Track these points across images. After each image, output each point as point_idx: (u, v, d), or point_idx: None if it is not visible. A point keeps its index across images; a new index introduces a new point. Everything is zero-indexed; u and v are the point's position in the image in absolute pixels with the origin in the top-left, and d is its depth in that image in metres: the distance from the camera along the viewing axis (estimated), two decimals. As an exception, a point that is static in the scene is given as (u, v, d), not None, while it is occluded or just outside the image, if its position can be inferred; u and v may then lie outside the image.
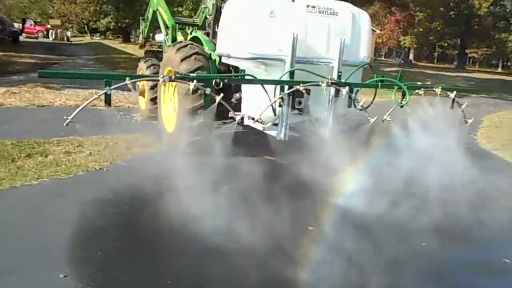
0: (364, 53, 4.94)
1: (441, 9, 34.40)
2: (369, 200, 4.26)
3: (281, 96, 4.10)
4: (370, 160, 5.00)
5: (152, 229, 3.49)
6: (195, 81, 3.65)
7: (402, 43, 44.03)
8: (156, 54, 9.19)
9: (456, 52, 50.90)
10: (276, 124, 4.65)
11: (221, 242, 3.22)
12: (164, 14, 7.54)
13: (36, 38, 37.85)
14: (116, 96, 9.70)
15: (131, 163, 5.19)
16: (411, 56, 47.32)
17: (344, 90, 4.38)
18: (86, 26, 43.97)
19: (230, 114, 4.23)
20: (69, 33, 39.52)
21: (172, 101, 6.04)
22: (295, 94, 4.34)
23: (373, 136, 4.91)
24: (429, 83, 5.17)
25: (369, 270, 3.10)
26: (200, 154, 4.48)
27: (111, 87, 3.41)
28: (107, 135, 6.15)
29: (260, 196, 4.04)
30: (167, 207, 3.65)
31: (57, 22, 39.66)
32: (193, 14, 17.24)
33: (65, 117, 3.33)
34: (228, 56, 4.78)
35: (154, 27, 9.16)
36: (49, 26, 40.35)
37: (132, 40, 39.65)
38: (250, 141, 6.23)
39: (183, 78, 3.75)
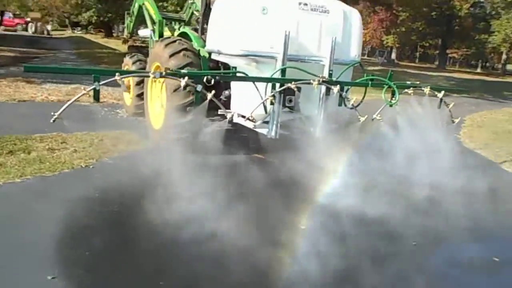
0: (355, 51, 4.94)
1: (424, 9, 34.83)
2: (357, 199, 4.25)
3: (273, 93, 4.06)
4: (358, 158, 5.00)
5: (142, 229, 3.40)
6: (186, 77, 3.57)
7: (384, 42, 44.41)
8: (140, 50, 9.03)
9: (437, 52, 51.72)
10: (266, 122, 4.62)
11: (212, 241, 3.17)
12: (150, 9, 7.40)
13: (15, 31, 36.92)
14: (100, 92, 9.51)
15: (118, 161, 5.08)
16: (393, 56, 47.81)
17: (335, 89, 4.37)
18: (67, 20, 43.11)
19: (220, 112, 4.18)
20: (49, 27, 38.68)
21: (159, 97, 5.94)
22: (285, 92, 4.31)
23: (362, 134, 4.93)
24: (418, 82, 5.20)
25: (362, 268, 3.10)
26: (188, 152, 4.41)
27: (100, 83, 3.32)
28: (92, 132, 6.02)
29: (251, 195, 4.02)
30: (156, 205, 3.58)
31: (37, 15, 38.79)
32: (178, 9, 17.07)
33: (52, 113, 3.22)
34: (219, 53, 4.72)
35: (139, 22, 9.03)
36: (28, 19, 39.41)
37: (114, 34, 39.04)
38: (238, 139, 6.17)
39: (174, 74, 3.67)
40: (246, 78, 3.98)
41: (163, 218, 3.38)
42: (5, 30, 35.14)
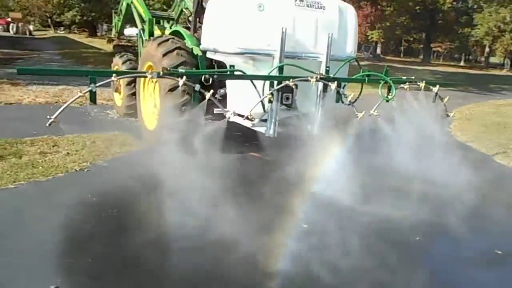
0: (350, 47, 4.91)
1: (409, 4, 35.13)
2: (354, 195, 4.22)
3: (271, 91, 4.01)
4: (354, 154, 4.98)
5: (144, 232, 3.31)
6: (184, 77, 3.50)
7: (369, 37, 44.66)
8: (126, 49, 8.91)
9: (421, 46, 52.23)
10: (264, 120, 4.57)
11: (214, 244, 3.13)
12: (139, 7, 7.28)
13: (-4, 32, 36.23)
14: (81, 91, 9.32)
15: (113, 163, 4.98)
16: (378, 50, 48.13)
17: (333, 85, 4.34)
18: (49, 20, 42.34)
19: (217, 111, 4.11)
20: (31, 27, 38.02)
21: (152, 97, 5.85)
22: (283, 90, 4.26)
23: (360, 130, 4.90)
24: (413, 77, 5.20)
25: (365, 263, 3.09)
26: (184, 153, 4.34)
27: (97, 85, 3.23)
28: (83, 134, 5.90)
29: (250, 195, 3.97)
30: (156, 208, 3.51)
31: (18, 15, 38.06)
32: (164, 7, 16.88)
33: (47, 117, 3.12)
34: (215, 51, 4.65)
35: (127, 21, 8.89)
36: (9, 19, 38.63)
37: (98, 34, 38.50)
38: (232, 137, 6.11)
39: (172, 74, 3.59)
40: (244, 77, 3.92)
41: (165, 220, 3.32)
42: (-14, 31, 34.43)
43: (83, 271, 2.79)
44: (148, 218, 3.57)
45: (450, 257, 3.52)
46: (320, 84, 4.47)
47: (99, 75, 3.29)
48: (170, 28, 6.23)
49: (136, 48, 8.75)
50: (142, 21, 7.21)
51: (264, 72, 4.27)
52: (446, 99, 5.41)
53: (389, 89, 4.87)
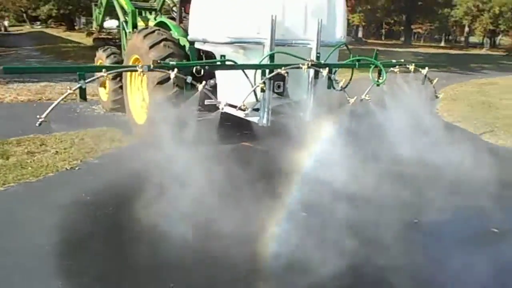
0: (340, 32, 4.87)
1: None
2: (350, 180, 4.22)
3: (263, 80, 3.95)
4: (348, 140, 4.98)
5: (143, 229, 3.24)
6: (176, 69, 3.42)
7: (351, 21, 44.66)
8: (107, 42, 8.73)
9: (402, 28, 52.42)
10: (256, 110, 4.52)
11: (213, 238, 3.11)
12: (121, -1, 7.10)
13: (-31, 29, 35.15)
14: (70, 88, 9.11)
15: (104, 160, 4.89)
16: (360, 34, 48.20)
17: (325, 72, 4.30)
18: (25, 14, 41.19)
19: (208, 102, 4.03)
20: (6, 23, 36.98)
21: (140, 91, 5.74)
22: (274, 78, 4.21)
23: (350, 115, 4.89)
24: (402, 60, 5.20)
25: (365, 246, 3.11)
26: (177, 145, 4.27)
27: (86, 81, 3.14)
28: (70, 131, 5.79)
29: (250, 185, 3.92)
30: (151, 203, 3.44)
31: (-9, 11, 36.91)
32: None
33: (37, 116, 3.02)
34: (204, 41, 4.56)
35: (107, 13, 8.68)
36: (-18, 16, 37.50)
37: (76, 28, 37.64)
38: (224, 127, 6.05)
39: (163, 66, 3.51)
40: (236, 66, 3.85)
41: (164, 216, 3.25)
42: (-42, 28, 33.37)
43: (83, 273, 2.73)
44: (145, 215, 3.49)
45: (448, 237, 3.56)
46: (311, 71, 4.43)
47: (88, 70, 3.18)
48: (155, 19, 6.09)
49: (117, 40, 8.57)
50: (125, 13, 7.03)
51: (255, 61, 4.21)
52: (435, 81, 5.43)
53: (380, 73, 4.85)
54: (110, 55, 7.04)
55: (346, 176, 4.22)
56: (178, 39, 5.26)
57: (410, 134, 4.66)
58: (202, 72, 3.64)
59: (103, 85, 7.10)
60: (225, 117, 5.22)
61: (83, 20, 37.75)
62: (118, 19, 7.77)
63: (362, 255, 3.03)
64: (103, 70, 3.14)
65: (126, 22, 6.97)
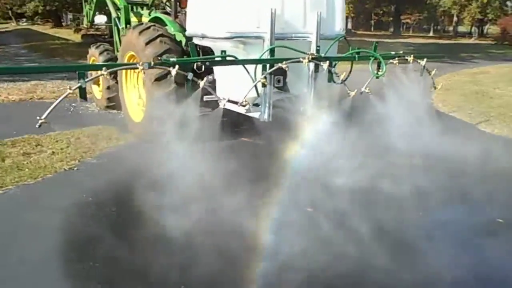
0: (339, 25, 4.81)
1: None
2: (351, 171, 4.19)
3: (264, 75, 3.90)
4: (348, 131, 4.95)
5: (149, 229, 3.19)
6: (177, 66, 3.35)
7: (340, 12, 44.66)
8: (97, 38, 8.56)
9: (391, 19, 52.56)
10: (256, 105, 4.47)
11: (218, 236, 3.08)
12: (112, -6, 6.97)
13: (-47, 27, 34.43)
14: (63, 86, 8.98)
15: (102, 159, 4.81)
16: (349, 25, 48.19)
17: (325, 65, 4.27)
18: (10, 12, 40.44)
19: (207, 98, 3.97)
20: (-9, 20, 36.26)
21: (136, 88, 5.66)
22: (274, 72, 4.16)
23: (352, 108, 4.87)
24: (401, 52, 5.18)
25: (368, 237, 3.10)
26: (176, 143, 4.21)
27: (86, 80, 3.06)
28: (66, 130, 5.68)
29: (250, 182, 3.88)
30: (153, 201, 3.38)
31: (-25, 8, 36.21)
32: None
33: (37, 118, 2.95)
34: (203, 37, 4.48)
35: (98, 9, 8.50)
36: (-34, 14, 36.77)
37: (64, 24, 37.07)
38: (222, 123, 6.00)
39: (163, 63, 3.44)
40: (236, 62, 3.79)
41: (168, 215, 3.20)
42: None
43: (91, 277, 2.67)
44: (148, 214, 3.44)
45: (453, 227, 3.56)
46: (312, 65, 4.38)
47: (88, 69, 3.10)
48: (149, 14, 5.98)
49: (106, 36, 8.42)
50: (117, 8, 6.91)
51: (255, 56, 4.15)
52: (433, 72, 5.43)
53: (379, 65, 4.82)
54: (103, 52, 6.91)
55: (348, 169, 4.22)
56: (174, 35, 5.18)
57: (411, 126, 4.66)
58: (203, 68, 3.57)
59: (96, 82, 6.99)
60: (223, 113, 5.18)
61: (70, 16, 37.14)
62: (107, 14, 7.63)
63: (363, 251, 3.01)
64: (103, 68, 3.06)
65: (118, 18, 6.85)
